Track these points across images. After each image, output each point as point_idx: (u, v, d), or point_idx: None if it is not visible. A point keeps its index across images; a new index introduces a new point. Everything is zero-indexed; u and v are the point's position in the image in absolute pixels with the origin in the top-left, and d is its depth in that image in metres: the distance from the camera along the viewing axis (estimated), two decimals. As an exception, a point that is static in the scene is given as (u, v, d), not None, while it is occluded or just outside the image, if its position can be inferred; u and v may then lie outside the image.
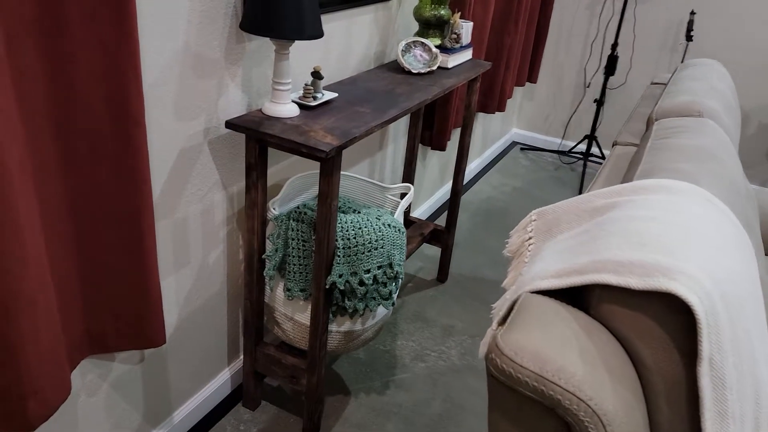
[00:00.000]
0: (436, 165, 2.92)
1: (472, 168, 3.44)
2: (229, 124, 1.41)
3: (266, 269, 1.54)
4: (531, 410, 0.73)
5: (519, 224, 1.07)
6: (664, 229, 0.81)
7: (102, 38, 1.01)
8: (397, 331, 2.16)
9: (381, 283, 1.54)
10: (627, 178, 1.13)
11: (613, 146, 1.50)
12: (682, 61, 3.46)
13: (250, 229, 1.54)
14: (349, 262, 1.48)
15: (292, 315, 1.61)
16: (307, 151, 1.33)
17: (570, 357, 0.71)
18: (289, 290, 1.56)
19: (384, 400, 1.86)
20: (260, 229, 1.54)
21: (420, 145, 2.65)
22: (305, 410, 1.68)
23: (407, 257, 2.21)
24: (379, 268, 1.51)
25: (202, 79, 1.38)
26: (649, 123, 1.48)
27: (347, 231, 1.48)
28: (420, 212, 2.87)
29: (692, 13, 3.25)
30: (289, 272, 1.54)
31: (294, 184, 1.69)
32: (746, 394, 0.77)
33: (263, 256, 1.56)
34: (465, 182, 3.38)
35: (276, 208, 1.60)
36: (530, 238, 1.03)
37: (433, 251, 2.69)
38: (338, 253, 1.47)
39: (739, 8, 3.22)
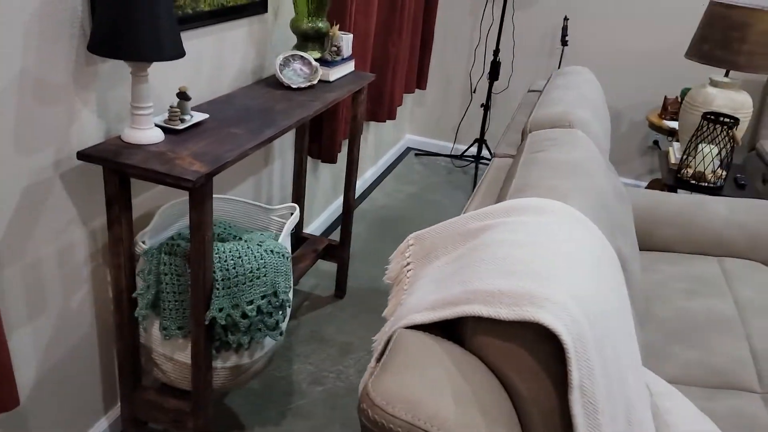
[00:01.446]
0: (329, 177, 2.86)
1: (367, 177, 3.42)
2: (82, 155, 1.27)
3: (138, 308, 1.42)
4: (407, 461, 0.69)
5: (397, 249, 1.04)
6: (532, 254, 0.80)
7: None
8: (293, 355, 2.08)
9: (266, 314, 1.45)
10: (502, 194, 1.12)
11: (492, 158, 1.51)
12: (559, 66, 3.63)
13: (116, 266, 1.40)
14: (229, 295, 1.39)
15: (171, 355, 1.49)
16: (173, 181, 1.22)
17: (443, 401, 0.68)
18: (165, 329, 1.44)
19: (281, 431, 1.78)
20: (128, 266, 1.41)
21: (310, 158, 2.58)
22: (194, 454, 1.56)
23: (301, 276, 2.14)
24: (263, 297, 1.43)
25: (48, 107, 1.24)
26: (524, 134, 1.50)
27: (226, 261, 1.39)
28: (315, 227, 2.80)
29: (566, 18, 3.42)
30: (165, 309, 1.43)
31: (166, 213, 1.57)
32: (618, 415, 0.77)
33: (133, 295, 1.43)
34: (360, 192, 3.35)
35: (146, 241, 1.48)
36: (408, 264, 1.00)
37: (329, 266, 2.63)
38: (217, 286, 1.37)
39: (607, 13, 3.42)
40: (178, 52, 1.27)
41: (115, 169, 1.27)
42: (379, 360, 0.85)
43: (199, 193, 1.26)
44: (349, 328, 2.26)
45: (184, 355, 1.48)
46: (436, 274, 0.90)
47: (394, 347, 0.76)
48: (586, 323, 0.74)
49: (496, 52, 3.49)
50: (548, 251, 0.81)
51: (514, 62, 3.67)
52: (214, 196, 1.71)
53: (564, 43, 3.41)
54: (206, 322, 1.38)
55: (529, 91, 2.18)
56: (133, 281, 1.44)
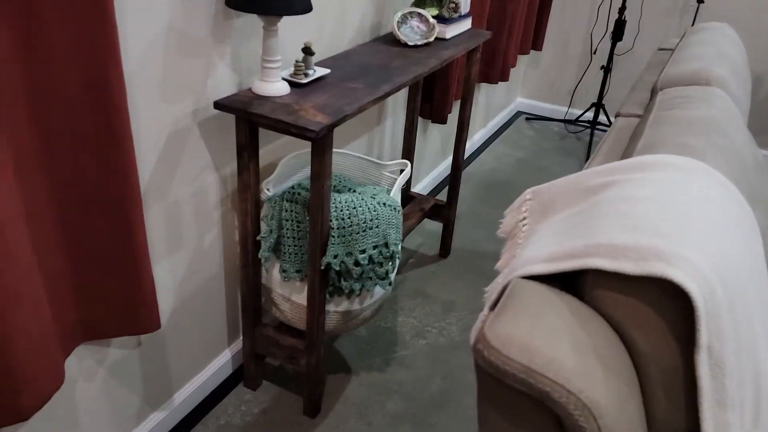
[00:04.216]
0: (438, 138, 2.86)
1: (475, 140, 3.39)
2: (218, 105, 1.37)
3: (261, 251, 1.52)
4: (520, 402, 0.71)
5: (513, 203, 1.04)
6: (662, 210, 0.77)
7: (77, 18, 0.97)
8: (398, 308, 2.15)
9: (377, 263, 1.51)
10: (627, 152, 1.08)
11: (615, 117, 1.45)
12: (692, 25, 3.35)
13: (243, 211, 1.51)
14: (344, 243, 1.46)
15: (289, 296, 1.59)
16: (297, 131, 1.29)
17: (560, 348, 0.69)
18: (284, 271, 1.54)
19: (385, 378, 1.85)
20: (254, 211, 1.51)
21: (420, 118, 2.60)
22: (305, 390, 1.68)
23: (407, 234, 2.18)
24: (375, 248, 1.48)
25: (189, 59, 1.33)
26: (653, 92, 1.42)
27: (341, 211, 1.45)
28: (421, 186, 2.83)
29: (702, -27, 3.14)
30: (285, 253, 1.52)
31: (288, 163, 1.66)
32: (745, 379, 0.74)
33: (258, 238, 1.54)
34: (468, 154, 3.33)
35: (270, 188, 1.57)
36: (524, 219, 1.00)
37: (434, 226, 2.66)
38: (333, 234, 1.44)
39: (752, -33, 3.10)
40: (307, 6, 1.32)
41: (246, 118, 1.35)
42: (492, 308, 0.87)
43: (321, 144, 1.32)
44: (452, 287, 2.29)
45: (301, 297, 1.58)
46: (554, 228, 0.89)
47: (511, 294, 0.77)
48: (718, 283, 0.71)
49: (622, 9, 3.28)
50: (678, 207, 0.78)
51: (642, 21, 3.43)
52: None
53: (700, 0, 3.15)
54: (321, 267, 1.46)
55: (660, 49, 2.05)
56: (258, 225, 1.55)
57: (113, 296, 1.24)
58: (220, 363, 1.76)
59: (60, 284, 1.16)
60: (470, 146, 3.33)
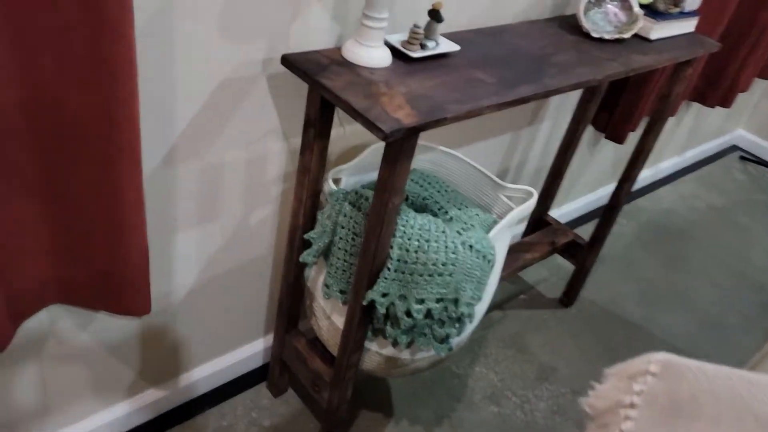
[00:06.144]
0: (610, 157, 2.30)
1: (662, 167, 2.73)
2: (285, 61, 1.04)
3: (304, 253, 1.20)
4: None
5: (627, 367, 0.59)
6: None
7: None
8: (480, 353, 1.74)
9: (437, 321, 1.12)
10: None
11: None
12: None
13: (297, 197, 1.19)
14: (400, 281, 1.08)
15: (329, 313, 1.27)
16: (365, 123, 0.92)
17: None
18: (327, 286, 1.21)
19: (428, 440, 1.49)
20: (309, 202, 1.19)
21: (593, 128, 2.06)
22: (322, 426, 1.37)
23: (521, 269, 1.74)
24: (439, 301, 1.09)
25: (268, -9, 1.01)
26: None
27: (410, 239, 1.07)
28: (568, 209, 2.30)
29: None
30: (331, 265, 1.19)
31: (379, 151, 1.30)
32: None
33: (305, 236, 1.22)
34: (645, 184, 2.70)
35: (343, 178, 1.23)
36: (633, 405, 0.55)
37: (568, 263, 2.15)
38: (389, 266, 1.07)
39: None
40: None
41: (315, 87, 1.01)
42: None
43: (395, 149, 0.94)
44: (561, 347, 1.81)
45: (341, 320, 1.25)
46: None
47: None
48: None
49: None
50: None
51: None
52: (441, 147, 1.38)
53: None
54: (364, 303, 1.10)
55: None
56: (312, 220, 1.23)
57: (97, 265, 1.00)
58: (250, 352, 1.51)
59: (34, 235, 0.94)
60: (651, 174, 2.68)
